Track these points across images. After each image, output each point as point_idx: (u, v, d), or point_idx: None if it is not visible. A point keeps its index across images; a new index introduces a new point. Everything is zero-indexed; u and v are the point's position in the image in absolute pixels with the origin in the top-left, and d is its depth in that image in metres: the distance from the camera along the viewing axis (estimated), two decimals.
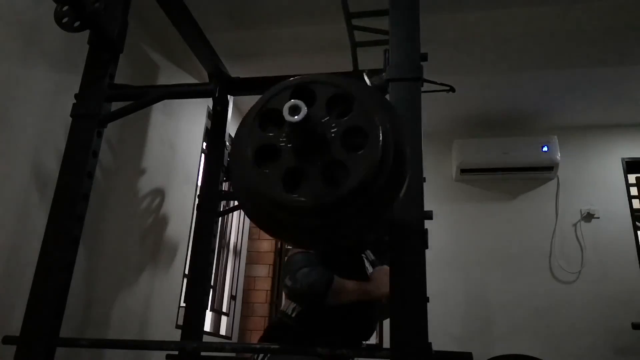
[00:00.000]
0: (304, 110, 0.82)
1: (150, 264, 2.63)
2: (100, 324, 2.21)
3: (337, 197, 0.85)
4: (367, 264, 1.79)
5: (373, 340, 3.70)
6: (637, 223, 3.64)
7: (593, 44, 2.82)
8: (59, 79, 1.94)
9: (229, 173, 1.01)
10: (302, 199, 0.85)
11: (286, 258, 1.71)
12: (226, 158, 2.33)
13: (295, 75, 0.98)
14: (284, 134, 0.89)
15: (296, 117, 0.82)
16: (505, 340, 3.44)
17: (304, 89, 0.92)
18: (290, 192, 0.86)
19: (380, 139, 0.86)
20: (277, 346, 1.32)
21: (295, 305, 1.69)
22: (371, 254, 1.81)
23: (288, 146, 0.88)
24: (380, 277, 1.66)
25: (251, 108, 0.97)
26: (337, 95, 0.91)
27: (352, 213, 0.88)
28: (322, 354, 1.24)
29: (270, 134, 0.91)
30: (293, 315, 1.68)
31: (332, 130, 0.88)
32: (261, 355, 1.64)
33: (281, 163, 0.88)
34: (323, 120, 0.89)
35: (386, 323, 3.49)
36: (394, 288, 1.15)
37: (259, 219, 0.97)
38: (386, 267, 1.66)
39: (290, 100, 0.84)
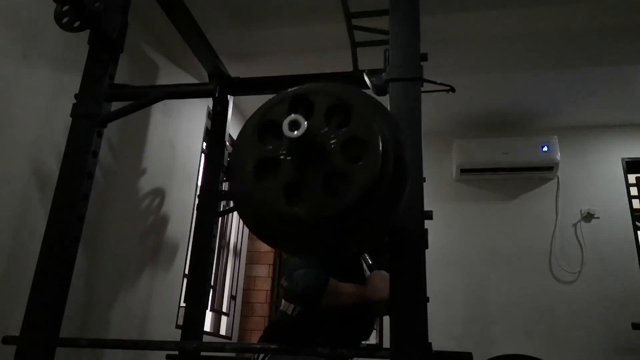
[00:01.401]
0: (304, 125, 0.82)
1: (150, 264, 2.63)
2: (100, 324, 2.21)
3: (339, 208, 0.84)
4: (365, 267, 1.79)
5: (373, 340, 3.70)
6: (637, 223, 3.64)
7: (593, 44, 2.82)
8: (59, 79, 1.94)
9: (230, 179, 1.02)
10: (304, 211, 0.85)
11: (283, 258, 1.71)
12: (226, 158, 2.33)
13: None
14: (283, 147, 0.89)
15: (296, 132, 0.81)
16: (505, 340, 3.44)
17: (301, 100, 0.91)
18: (292, 205, 0.85)
19: (380, 148, 0.86)
20: (277, 346, 1.32)
21: (295, 305, 1.70)
22: (368, 258, 1.81)
23: (288, 159, 0.88)
24: (376, 281, 1.65)
25: (249, 118, 0.96)
26: (335, 105, 0.90)
27: (355, 224, 0.88)
28: (322, 354, 1.25)
29: (270, 147, 0.90)
30: (293, 314, 1.70)
31: (332, 142, 0.88)
32: (262, 355, 1.64)
33: (281, 176, 0.87)
34: (322, 131, 0.89)
35: (386, 323, 3.50)
36: (394, 288, 1.15)
37: (260, 230, 0.96)
38: (383, 272, 1.67)
39: (288, 111, 0.84)
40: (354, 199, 0.84)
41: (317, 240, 0.92)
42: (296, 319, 1.68)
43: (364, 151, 0.86)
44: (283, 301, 1.79)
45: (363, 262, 1.80)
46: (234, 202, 0.98)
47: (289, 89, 0.95)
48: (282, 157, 0.88)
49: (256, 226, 0.96)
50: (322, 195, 0.85)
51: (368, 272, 1.76)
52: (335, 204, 0.84)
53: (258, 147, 0.90)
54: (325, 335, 1.65)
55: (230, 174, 1.00)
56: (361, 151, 0.86)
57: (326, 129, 0.89)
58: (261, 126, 0.91)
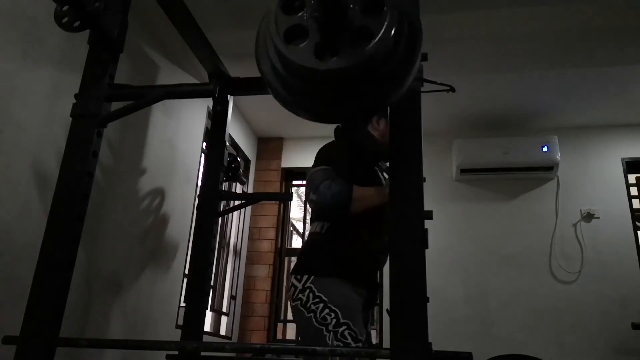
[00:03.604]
0: None
1: (150, 264, 2.63)
2: (100, 324, 2.21)
3: (366, 56, 0.92)
4: (381, 175, 1.92)
5: (373, 340, 3.69)
6: (637, 223, 3.64)
7: (593, 44, 2.82)
8: (59, 79, 1.94)
9: (258, 55, 1.07)
10: (334, 64, 0.93)
11: (307, 176, 1.82)
12: (226, 158, 2.34)
13: None
14: (306, 14, 0.96)
15: None
16: (505, 340, 3.44)
17: None
18: (322, 60, 0.93)
19: (396, 7, 0.94)
20: (278, 346, 1.32)
21: (323, 223, 1.81)
22: (384, 163, 1.95)
23: (314, 23, 0.95)
24: None
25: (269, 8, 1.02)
26: None
27: (379, 75, 0.97)
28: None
29: (296, 16, 0.97)
30: (323, 231, 1.80)
31: (352, 4, 0.95)
32: (305, 277, 1.71)
33: (310, 39, 0.94)
34: None
35: (386, 323, 3.50)
36: (394, 288, 1.15)
37: (290, 97, 1.02)
38: None
39: None
40: (380, 46, 0.92)
41: (347, 93, 0.98)
42: (326, 235, 1.78)
43: (382, 8, 0.94)
44: (311, 225, 1.89)
45: (379, 170, 1.94)
46: (262, 75, 1.03)
47: None
48: (308, 23, 0.96)
49: (285, 92, 1.01)
50: (349, 48, 0.93)
51: (386, 176, 1.89)
52: (363, 52, 0.92)
53: (285, 18, 0.97)
54: (353, 248, 1.76)
55: (258, 49, 1.05)
56: (380, 9, 0.94)
57: None
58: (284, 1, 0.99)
